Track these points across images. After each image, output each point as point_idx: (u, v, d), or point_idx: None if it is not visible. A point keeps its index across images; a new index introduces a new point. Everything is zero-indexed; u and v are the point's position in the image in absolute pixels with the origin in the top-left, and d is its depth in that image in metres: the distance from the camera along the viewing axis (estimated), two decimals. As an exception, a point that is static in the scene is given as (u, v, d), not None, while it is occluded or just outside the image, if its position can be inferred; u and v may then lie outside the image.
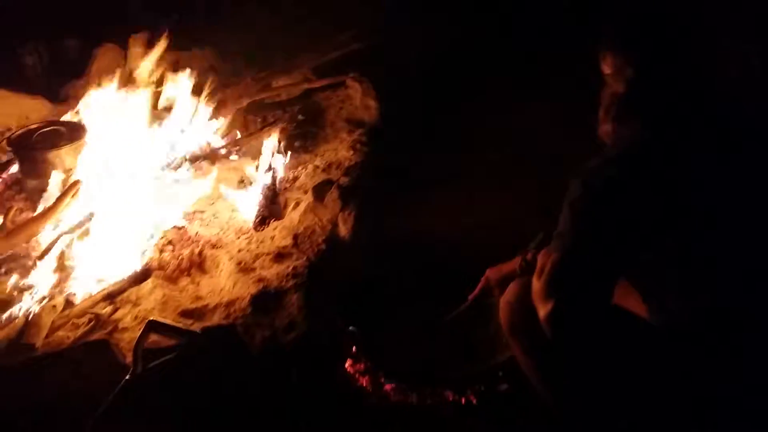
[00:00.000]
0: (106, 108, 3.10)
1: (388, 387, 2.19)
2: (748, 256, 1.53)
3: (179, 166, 3.11)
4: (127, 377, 1.77)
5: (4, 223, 2.67)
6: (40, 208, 2.76)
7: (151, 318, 1.99)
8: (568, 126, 2.64)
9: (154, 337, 1.95)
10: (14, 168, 3.11)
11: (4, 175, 3.08)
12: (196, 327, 2.11)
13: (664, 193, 1.51)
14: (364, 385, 2.21)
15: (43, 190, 2.86)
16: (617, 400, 1.64)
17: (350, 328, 2.27)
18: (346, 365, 2.25)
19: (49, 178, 2.88)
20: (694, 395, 1.56)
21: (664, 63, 1.58)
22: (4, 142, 3.11)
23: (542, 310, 1.51)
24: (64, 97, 3.89)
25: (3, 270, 2.57)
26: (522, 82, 3.89)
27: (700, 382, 1.54)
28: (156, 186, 2.96)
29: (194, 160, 3.21)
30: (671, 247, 1.54)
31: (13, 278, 2.47)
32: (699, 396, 1.55)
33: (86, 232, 2.62)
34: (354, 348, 2.28)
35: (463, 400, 2.14)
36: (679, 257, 1.54)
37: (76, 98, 3.79)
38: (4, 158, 3.23)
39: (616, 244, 1.52)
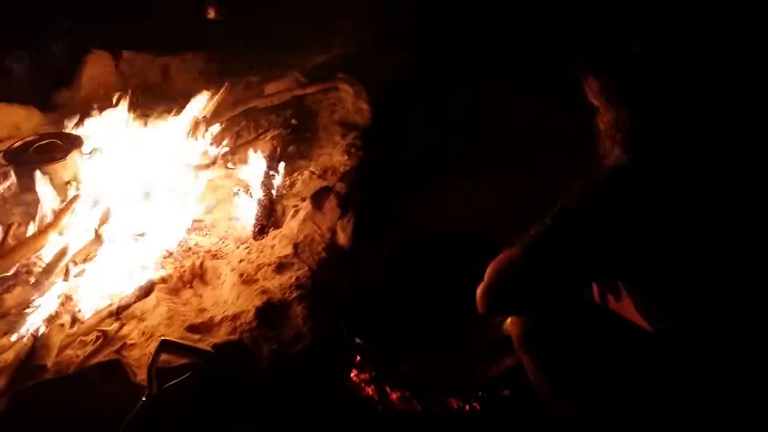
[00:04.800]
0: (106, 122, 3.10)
1: (393, 396, 2.24)
2: (740, 266, 1.59)
3: (177, 176, 3.12)
4: (143, 399, 1.81)
5: (4, 239, 2.66)
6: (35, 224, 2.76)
7: (163, 337, 2.01)
8: (559, 124, 2.71)
9: (164, 356, 1.99)
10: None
11: (1, 189, 3.08)
12: (205, 343, 2.14)
13: (653, 211, 1.57)
14: (370, 394, 2.26)
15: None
16: (618, 406, 1.70)
17: (357, 340, 2.30)
18: (352, 375, 2.30)
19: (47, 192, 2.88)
20: (691, 401, 1.63)
21: (649, 81, 1.64)
22: (0, 156, 3.09)
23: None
24: (54, 106, 3.88)
25: (6, 287, 2.55)
26: (515, 82, 3.93)
27: (696, 390, 1.61)
28: (154, 197, 2.97)
29: (192, 169, 3.23)
30: (661, 262, 1.60)
31: (17, 295, 2.47)
32: (696, 401, 1.62)
33: (89, 248, 2.62)
34: (359, 357, 2.33)
35: (467, 407, 2.20)
36: (669, 271, 1.60)
37: (66, 107, 3.82)
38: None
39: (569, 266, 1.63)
